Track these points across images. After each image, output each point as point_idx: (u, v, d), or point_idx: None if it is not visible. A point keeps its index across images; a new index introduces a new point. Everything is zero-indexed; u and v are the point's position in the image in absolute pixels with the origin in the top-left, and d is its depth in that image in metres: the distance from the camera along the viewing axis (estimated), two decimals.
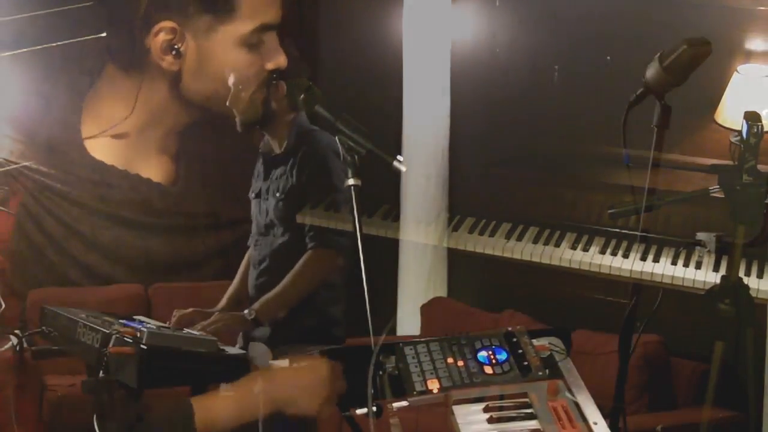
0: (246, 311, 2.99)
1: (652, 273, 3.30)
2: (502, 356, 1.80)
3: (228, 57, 4.82)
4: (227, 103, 3.17)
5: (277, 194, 3.14)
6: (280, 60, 3.20)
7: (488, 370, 1.78)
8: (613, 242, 3.46)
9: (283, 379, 1.83)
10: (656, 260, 3.35)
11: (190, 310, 3.01)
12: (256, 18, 4.88)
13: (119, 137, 5.49)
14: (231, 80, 3.17)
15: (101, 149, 5.51)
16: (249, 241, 3.39)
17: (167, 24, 5.26)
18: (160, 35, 5.27)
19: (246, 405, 1.81)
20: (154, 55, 5.34)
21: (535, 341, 1.85)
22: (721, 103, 4.02)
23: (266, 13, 5.14)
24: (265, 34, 3.82)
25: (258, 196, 3.27)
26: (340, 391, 1.80)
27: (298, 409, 1.79)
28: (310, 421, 3.07)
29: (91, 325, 2.08)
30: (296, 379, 1.81)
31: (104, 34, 5.46)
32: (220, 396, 1.85)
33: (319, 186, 3.10)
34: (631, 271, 3.32)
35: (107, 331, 1.99)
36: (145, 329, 2.00)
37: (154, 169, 5.64)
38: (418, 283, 5.26)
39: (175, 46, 5.10)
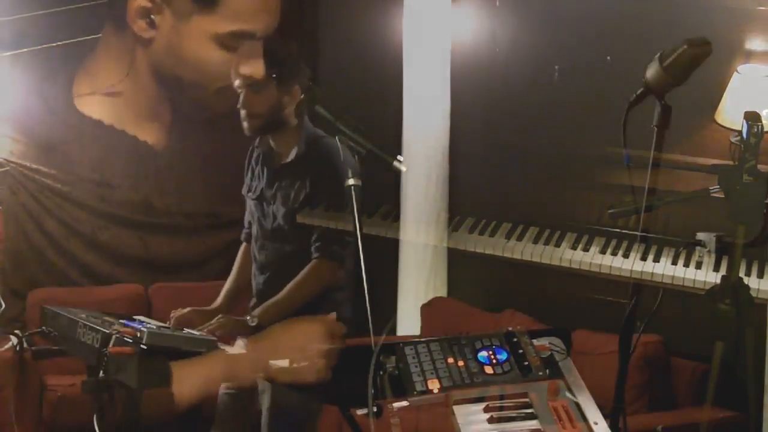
0: (248, 317, 3.00)
1: (652, 273, 3.29)
2: (503, 356, 1.80)
3: (200, 47, 4.80)
4: (239, 106, 3.14)
5: (290, 203, 3.12)
6: (255, 69, 3.11)
7: (489, 370, 1.78)
8: (613, 242, 3.45)
9: (274, 341, 1.83)
10: (656, 260, 3.35)
11: (188, 309, 3.01)
12: (237, 22, 4.86)
13: (113, 96, 5.50)
14: (238, 81, 3.12)
15: (91, 107, 5.51)
16: (243, 236, 3.38)
17: None
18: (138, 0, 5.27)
19: (227, 371, 1.81)
20: (129, 18, 5.34)
21: (535, 341, 1.85)
22: (721, 103, 4.02)
23: (251, 21, 5.13)
24: (244, 41, 3.80)
25: (259, 198, 3.26)
26: (336, 352, 1.77)
27: (293, 375, 1.78)
28: (311, 415, 3.08)
29: (91, 325, 2.08)
30: (288, 340, 1.80)
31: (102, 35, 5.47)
32: (199, 362, 1.84)
33: (328, 193, 3.11)
34: (631, 271, 3.31)
35: (107, 331, 1.99)
36: (145, 329, 2.00)
37: (144, 131, 5.63)
38: (418, 283, 5.26)
39: (150, 15, 5.10)
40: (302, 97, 3.06)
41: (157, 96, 5.58)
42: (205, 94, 2.95)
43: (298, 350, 1.78)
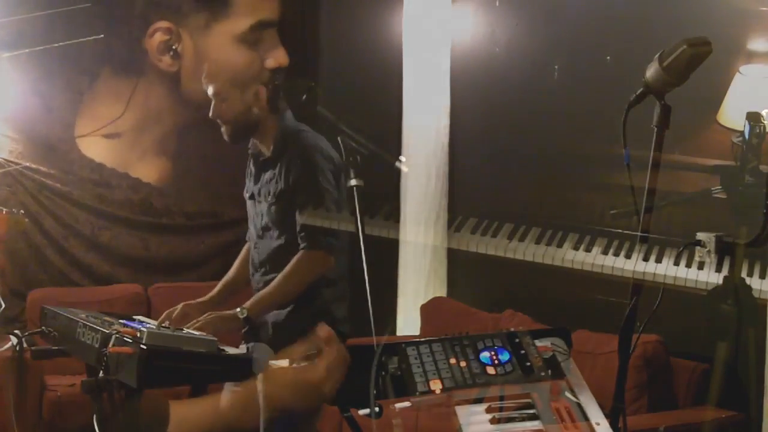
0: (238, 309, 2.98)
1: (654, 274, 3.29)
2: (505, 357, 1.79)
3: (226, 56, 4.81)
4: (210, 115, 3.15)
5: (269, 198, 3.14)
6: (280, 57, 3.17)
7: (491, 370, 1.77)
8: (615, 243, 3.45)
9: (279, 381, 1.80)
10: (659, 261, 3.34)
11: (180, 306, 2.99)
12: (253, 15, 4.85)
13: (111, 137, 5.51)
14: (210, 91, 3.13)
15: (93, 148, 5.52)
16: (247, 236, 3.40)
17: (163, 24, 5.26)
18: (156, 36, 5.27)
19: (226, 414, 1.79)
20: (152, 57, 5.35)
21: (537, 342, 1.84)
22: (723, 103, 4.01)
23: (263, 9, 5.13)
24: (263, 31, 3.81)
25: (251, 198, 3.28)
26: (339, 385, 1.74)
27: (297, 408, 1.77)
28: (310, 420, 3.07)
29: (91, 325, 2.07)
30: (293, 380, 1.78)
31: (102, 36, 5.47)
32: (200, 403, 1.82)
33: (306, 186, 3.10)
34: (633, 271, 3.31)
35: (107, 331, 1.98)
36: (145, 329, 1.99)
37: (146, 169, 5.65)
38: (418, 283, 5.26)
39: (173, 47, 5.10)
40: (302, 96, 3.08)
41: (166, 129, 5.60)
42: (238, 100, 2.99)
43: (301, 398, 1.75)
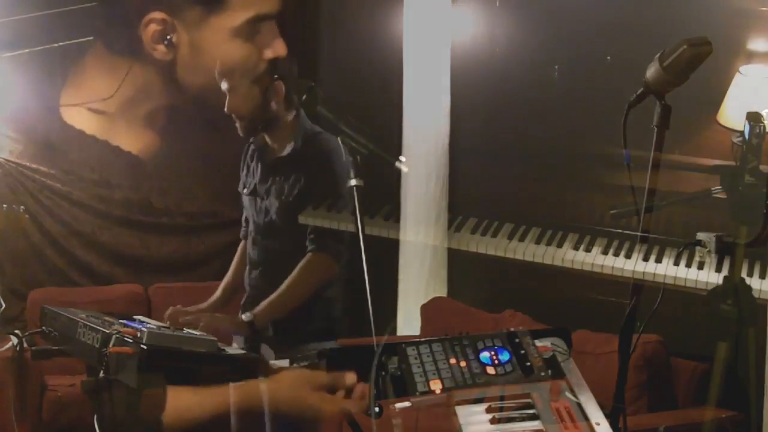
0: (244, 315, 3.00)
1: (654, 274, 3.30)
2: (505, 357, 1.79)
3: (222, 49, 4.81)
4: (225, 110, 3.16)
5: (283, 197, 3.13)
6: (278, 48, 3.17)
7: (491, 370, 1.77)
8: (615, 243, 3.46)
9: (280, 381, 1.81)
10: (659, 261, 3.34)
11: (191, 309, 3.00)
12: (250, 8, 4.86)
13: (98, 112, 5.48)
14: (224, 86, 3.14)
15: (79, 119, 5.49)
16: (241, 234, 3.39)
17: (157, 15, 5.25)
18: (150, 26, 5.27)
19: (220, 401, 1.80)
20: (146, 45, 5.34)
21: (537, 342, 1.84)
22: (723, 103, 4.02)
23: (261, 3, 5.13)
24: (261, 24, 3.78)
25: (253, 193, 3.27)
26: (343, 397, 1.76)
27: (295, 413, 1.78)
28: (313, 423, 3.07)
29: (91, 325, 2.07)
30: (294, 381, 1.79)
31: (99, 36, 5.47)
32: (202, 393, 1.83)
33: (324, 188, 3.11)
34: (633, 271, 3.31)
35: (107, 331, 1.98)
36: (145, 329, 1.99)
37: (132, 141, 5.61)
38: (418, 283, 5.26)
39: (167, 37, 5.10)
40: (302, 96, 3.08)
41: (154, 107, 5.57)
42: (255, 94, 3.00)
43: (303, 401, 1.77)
